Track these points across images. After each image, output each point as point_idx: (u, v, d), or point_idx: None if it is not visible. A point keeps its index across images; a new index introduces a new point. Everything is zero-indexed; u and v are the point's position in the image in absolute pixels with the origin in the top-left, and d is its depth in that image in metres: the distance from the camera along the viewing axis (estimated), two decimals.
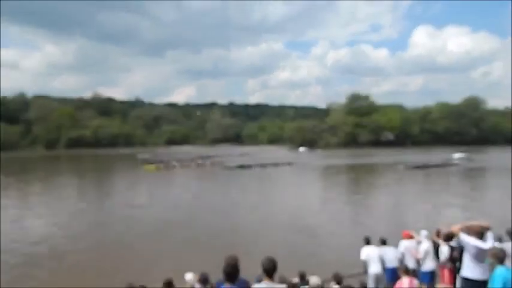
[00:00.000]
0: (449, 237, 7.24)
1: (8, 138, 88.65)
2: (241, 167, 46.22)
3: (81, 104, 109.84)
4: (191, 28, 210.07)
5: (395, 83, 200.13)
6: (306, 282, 6.82)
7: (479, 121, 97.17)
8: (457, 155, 55.23)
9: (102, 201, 26.56)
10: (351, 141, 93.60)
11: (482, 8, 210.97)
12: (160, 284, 5.92)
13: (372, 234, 8.33)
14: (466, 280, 5.19)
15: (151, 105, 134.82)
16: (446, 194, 26.56)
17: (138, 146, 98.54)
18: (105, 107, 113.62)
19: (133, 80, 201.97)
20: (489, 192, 28.57)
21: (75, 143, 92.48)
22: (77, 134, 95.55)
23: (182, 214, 20.86)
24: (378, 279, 7.61)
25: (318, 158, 61.12)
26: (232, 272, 3.65)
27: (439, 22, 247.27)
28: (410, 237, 8.17)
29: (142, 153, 61.49)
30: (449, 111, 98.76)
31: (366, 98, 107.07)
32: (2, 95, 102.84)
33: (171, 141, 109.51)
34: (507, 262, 4.62)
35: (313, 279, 6.76)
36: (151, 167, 46.98)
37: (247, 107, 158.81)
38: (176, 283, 6.06)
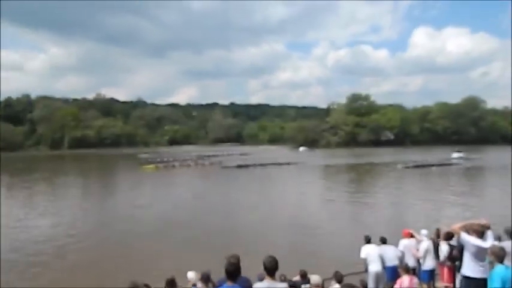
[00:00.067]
0: (449, 236, 7.29)
1: (13, 138, 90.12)
2: (241, 166, 46.64)
3: (84, 105, 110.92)
4: (193, 29, 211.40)
5: (395, 83, 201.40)
6: (307, 281, 6.84)
7: (478, 121, 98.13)
8: (455, 155, 55.73)
9: (104, 201, 26.79)
10: (351, 141, 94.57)
11: (481, 9, 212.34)
12: (162, 283, 5.93)
13: (372, 233, 8.37)
14: (466, 278, 5.23)
15: (154, 106, 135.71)
16: (445, 192, 26.74)
17: (140, 146, 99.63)
18: (108, 107, 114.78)
19: (136, 81, 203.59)
20: (488, 191, 28.66)
21: (79, 143, 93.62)
22: (81, 134, 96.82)
23: (182, 214, 21.04)
24: (378, 277, 7.65)
25: (317, 158, 61.51)
26: (234, 270, 3.66)
27: (439, 23, 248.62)
28: (411, 236, 8.25)
29: (143, 153, 61.94)
30: (448, 111, 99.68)
31: (366, 98, 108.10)
32: (7, 96, 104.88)
33: (173, 141, 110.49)
34: (507, 261, 4.60)
35: (314, 278, 6.75)
36: (151, 167, 47.42)
37: (248, 107, 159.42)
38: (178, 282, 6.10)
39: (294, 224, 18.14)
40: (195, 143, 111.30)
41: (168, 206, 23.32)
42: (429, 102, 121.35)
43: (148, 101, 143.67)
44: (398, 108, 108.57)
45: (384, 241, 8.01)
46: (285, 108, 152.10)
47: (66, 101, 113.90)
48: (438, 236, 8.17)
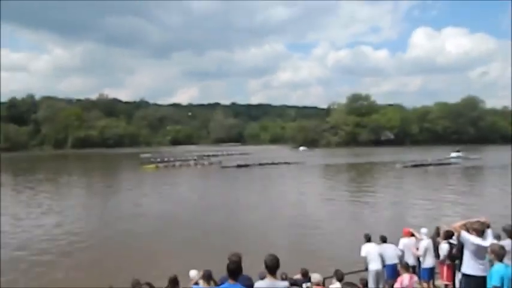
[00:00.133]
0: (449, 235, 7.33)
1: (18, 138, 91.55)
2: (240, 166, 46.88)
3: (87, 105, 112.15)
4: (194, 30, 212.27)
5: (395, 84, 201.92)
6: (308, 279, 6.91)
7: (477, 120, 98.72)
8: (453, 154, 56.06)
9: (106, 200, 26.95)
10: (352, 141, 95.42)
11: (480, 10, 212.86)
12: (163, 282, 5.91)
13: (372, 232, 8.45)
14: (466, 276, 5.29)
15: (156, 106, 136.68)
16: (444, 192, 26.82)
17: (143, 145, 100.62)
18: (111, 107, 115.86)
19: (138, 81, 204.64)
20: (487, 191, 28.59)
21: (82, 142, 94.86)
22: (84, 134, 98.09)
23: (182, 213, 21.10)
24: (378, 276, 7.73)
25: (317, 157, 61.81)
26: (235, 268, 3.69)
27: (438, 24, 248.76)
28: (411, 235, 8.35)
29: (145, 153, 62.42)
30: (448, 111, 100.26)
31: (366, 98, 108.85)
32: (11, 96, 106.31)
33: (175, 141, 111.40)
34: (506, 259, 4.62)
35: (315, 276, 6.81)
36: (152, 166, 48.00)
37: (249, 107, 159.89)
38: (180, 280, 6.11)
39: (295, 223, 18.24)
40: (197, 143, 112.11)
41: (168, 206, 23.48)
42: (429, 102, 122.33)
43: (151, 101, 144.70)
44: (398, 108, 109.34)
45: (384, 240, 8.14)
46: (285, 108, 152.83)
47: (69, 101, 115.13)
48: (438, 234, 8.28)
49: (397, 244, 8.19)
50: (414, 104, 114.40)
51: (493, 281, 4.45)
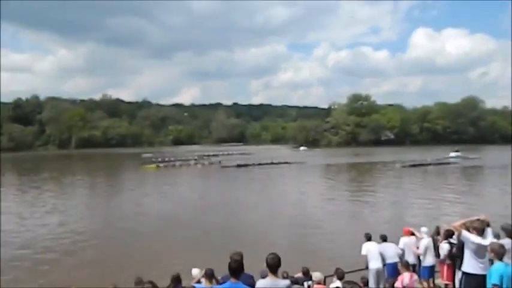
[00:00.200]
0: (449, 234, 7.38)
1: (23, 138, 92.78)
2: (240, 166, 47.20)
3: (91, 106, 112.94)
4: (196, 31, 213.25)
5: (395, 84, 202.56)
6: (309, 278, 6.97)
7: (477, 120, 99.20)
8: (453, 154, 56.45)
9: (108, 200, 27.27)
10: (352, 141, 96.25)
11: (480, 10, 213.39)
12: (165, 281, 5.92)
13: (372, 231, 8.53)
14: (466, 275, 5.31)
15: (158, 106, 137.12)
16: (444, 191, 27.07)
17: (145, 145, 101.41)
18: (114, 107, 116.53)
19: (141, 82, 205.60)
20: (486, 190, 28.74)
21: (86, 143, 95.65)
22: (88, 135, 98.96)
23: (182, 213, 21.25)
24: (378, 274, 7.80)
25: (318, 157, 62.18)
26: (237, 267, 3.71)
27: (438, 24, 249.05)
28: (411, 234, 8.45)
29: (146, 153, 62.78)
30: (448, 111, 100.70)
31: (367, 98, 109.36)
32: (17, 97, 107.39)
33: (178, 141, 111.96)
34: (506, 258, 4.64)
35: (316, 275, 6.84)
36: (152, 166, 48.46)
37: (250, 107, 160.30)
38: (182, 279, 6.14)
39: (295, 222, 18.35)
40: (199, 143, 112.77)
41: (169, 205, 23.73)
42: (429, 102, 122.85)
43: (153, 101, 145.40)
44: (399, 108, 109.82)
45: (384, 239, 8.25)
46: (286, 109, 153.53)
47: (73, 102, 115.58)
48: (438, 233, 8.37)
49: (397, 243, 8.31)
50: (414, 105, 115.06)
51: (492, 279, 4.46)
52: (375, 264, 7.80)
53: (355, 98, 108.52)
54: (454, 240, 7.18)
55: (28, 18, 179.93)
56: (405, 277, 6.66)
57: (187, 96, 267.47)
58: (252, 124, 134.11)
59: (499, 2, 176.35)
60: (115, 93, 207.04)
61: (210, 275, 5.96)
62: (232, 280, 3.69)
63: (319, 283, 6.72)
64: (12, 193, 30.06)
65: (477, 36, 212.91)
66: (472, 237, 5.18)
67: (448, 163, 49.30)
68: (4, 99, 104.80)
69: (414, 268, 7.85)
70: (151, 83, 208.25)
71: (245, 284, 3.83)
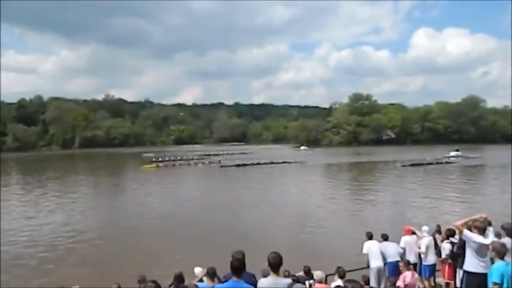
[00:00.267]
0: (450, 234, 7.44)
1: (27, 138, 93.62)
2: (239, 165, 47.31)
3: (94, 106, 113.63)
4: (197, 31, 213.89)
5: (396, 84, 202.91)
6: (311, 277, 6.99)
7: (478, 120, 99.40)
8: (452, 153, 56.49)
9: (111, 199, 27.50)
10: (353, 140, 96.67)
11: (480, 10, 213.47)
12: (167, 280, 5.92)
13: (373, 230, 8.59)
14: (468, 274, 5.35)
15: (160, 106, 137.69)
16: (444, 190, 27.20)
17: (148, 145, 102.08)
18: (116, 107, 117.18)
19: (143, 82, 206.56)
20: (487, 190, 28.79)
21: (89, 142, 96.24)
22: (91, 134, 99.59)
23: (182, 213, 21.31)
24: (379, 273, 7.82)
25: (319, 156, 62.28)
26: (239, 266, 3.71)
27: (439, 24, 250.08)
28: (412, 233, 8.49)
29: (147, 153, 63.08)
30: (449, 111, 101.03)
31: (368, 97, 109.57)
32: (20, 98, 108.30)
33: (179, 141, 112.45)
34: (507, 257, 4.66)
35: (318, 274, 6.86)
36: (152, 166, 48.60)
37: (252, 107, 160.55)
38: (184, 278, 6.09)
39: (296, 222, 18.42)
40: (201, 143, 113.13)
41: (170, 205, 23.90)
42: (430, 102, 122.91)
43: (155, 101, 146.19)
44: (400, 107, 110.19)
45: (385, 238, 8.29)
46: (288, 108, 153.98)
47: (77, 102, 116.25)
48: (439, 232, 8.45)
49: (398, 242, 8.35)
50: (415, 104, 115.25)
51: (493, 278, 4.47)
52: (376, 263, 7.85)
53: (357, 98, 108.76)
54: (455, 239, 7.25)
55: (32, 19, 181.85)
56: (407, 276, 6.73)
57: (189, 96, 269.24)
58: (253, 124, 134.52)
59: (499, 2, 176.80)
60: (117, 93, 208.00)
61: (212, 274, 5.97)
62: (234, 279, 3.71)
63: (320, 282, 6.73)
64: (17, 192, 30.44)
65: (478, 36, 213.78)
66: (474, 236, 5.21)
67: (448, 162, 49.44)
68: (8, 100, 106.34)
69: (415, 267, 7.88)
70: (153, 83, 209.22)
71: (247, 282, 3.86)
